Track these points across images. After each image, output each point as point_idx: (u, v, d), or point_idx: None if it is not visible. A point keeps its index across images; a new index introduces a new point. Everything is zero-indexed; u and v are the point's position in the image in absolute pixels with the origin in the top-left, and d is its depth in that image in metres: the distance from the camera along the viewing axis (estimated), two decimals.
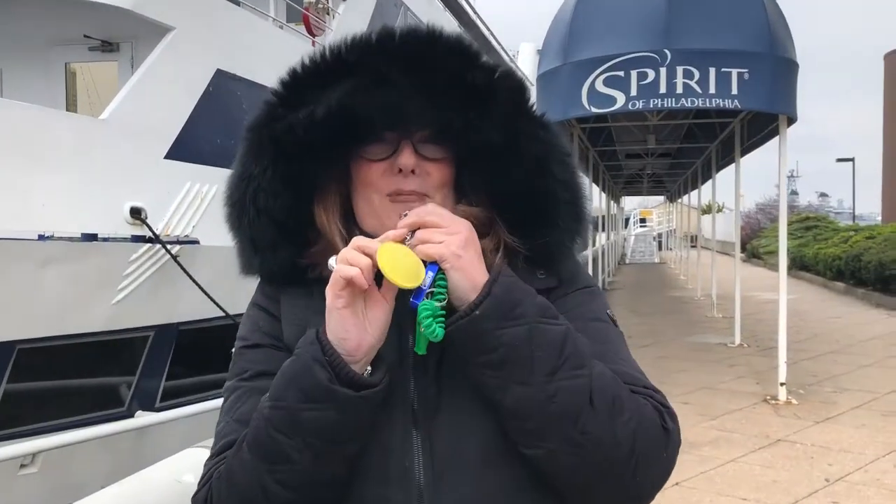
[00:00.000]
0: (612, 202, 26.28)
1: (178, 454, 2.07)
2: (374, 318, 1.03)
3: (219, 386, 1.16)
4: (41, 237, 6.66)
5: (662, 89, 6.08)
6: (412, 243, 1.03)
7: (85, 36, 8.52)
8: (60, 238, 6.83)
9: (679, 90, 6.07)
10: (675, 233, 32.81)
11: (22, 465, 6.70)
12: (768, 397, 7.03)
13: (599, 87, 6.22)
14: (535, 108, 1.20)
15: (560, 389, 1.01)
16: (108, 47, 8.71)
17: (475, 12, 24.00)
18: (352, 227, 1.18)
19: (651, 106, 6.22)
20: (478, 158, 1.15)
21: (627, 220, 41.63)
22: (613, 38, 6.29)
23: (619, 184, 25.44)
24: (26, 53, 8.68)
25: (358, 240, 1.04)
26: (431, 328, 1.00)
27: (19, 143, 6.51)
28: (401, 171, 1.13)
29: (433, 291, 1.02)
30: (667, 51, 6.04)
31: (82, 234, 6.97)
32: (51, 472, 6.82)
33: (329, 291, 1.02)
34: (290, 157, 1.13)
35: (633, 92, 6.14)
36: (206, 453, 1.87)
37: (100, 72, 9.21)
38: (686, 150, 15.07)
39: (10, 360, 6.70)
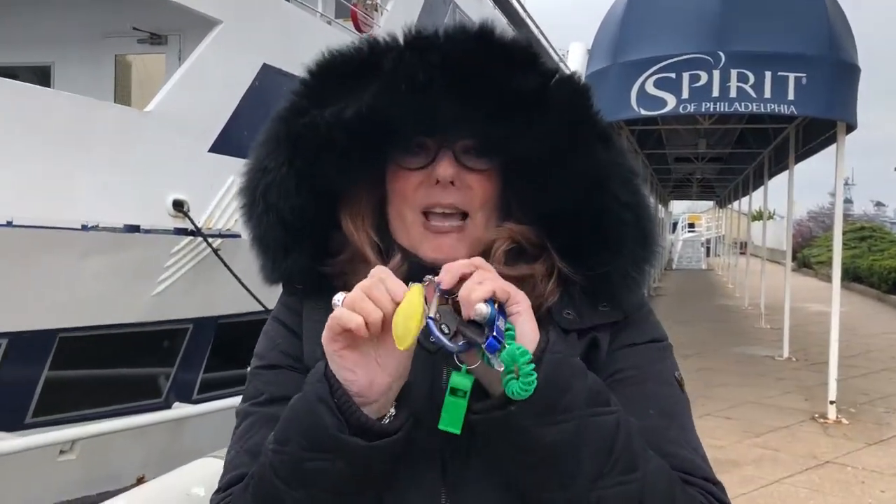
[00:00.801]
0: (660, 206, 25.91)
1: (192, 464, 1.99)
2: (387, 356, 0.88)
3: None
4: (84, 227, 6.71)
5: (715, 93, 5.88)
6: (464, 291, 0.86)
7: (134, 28, 8.60)
8: (104, 229, 6.89)
9: (732, 94, 5.86)
10: (723, 239, 32.18)
11: (61, 452, 6.79)
12: (817, 415, 6.77)
13: (649, 88, 6.04)
14: (599, 117, 1.06)
15: (604, 499, 0.87)
16: (156, 40, 8.78)
17: (524, 10, 23.84)
18: (386, 237, 1.08)
19: (703, 110, 6.02)
20: (524, 173, 1.03)
21: (675, 224, 41.03)
22: (665, 38, 6.10)
23: (668, 187, 25.03)
24: (77, 46, 8.80)
25: (380, 272, 0.88)
26: (457, 414, 0.86)
27: (67, 134, 6.57)
28: (438, 182, 1.02)
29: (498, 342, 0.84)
30: (720, 53, 5.83)
31: (125, 225, 7.02)
32: (88, 459, 6.91)
33: (324, 335, 0.88)
34: (308, 155, 1.03)
35: (685, 95, 5.95)
36: (220, 464, 1.76)
37: (153, 63, 9.30)
38: (738, 155, 14.72)
39: (51, 347, 6.79)
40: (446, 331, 0.84)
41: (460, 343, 0.85)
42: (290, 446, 0.89)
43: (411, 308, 0.82)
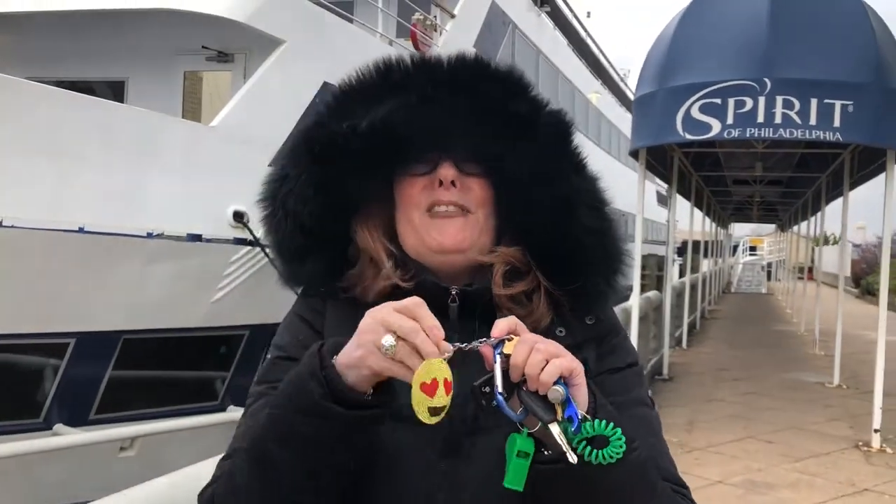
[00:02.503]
0: (718, 228, 25.56)
1: (210, 459, 2.19)
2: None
3: None
4: (150, 235, 7.06)
5: (760, 118, 5.94)
6: (532, 369, 0.94)
7: (203, 47, 9.01)
8: (168, 237, 7.24)
9: (778, 120, 5.91)
10: (785, 263, 31.55)
11: (121, 448, 7.09)
12: (860, 443, 6.71)
13: (695, 113, 6.14)
14: (577, 150, 1.23)
15: None
16: (223, 58, 9.19)
17: (586, 31, 23.88)
18: (398, 250, 1.18)
19: (748, 135, 6.08)
20: (511, 189, 1.17)
21: (736, 247, 40.36)
22: (712, 64, 6.20)
23: (728, 209, 24.70)
24: (149, 62, 9.25)
25: (414, 305, 0.96)
26: (521, 473, 0.96)
27: (137, 146, 6.95)
28: (441, 183, 1.15)
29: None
30: (766, 79, 5.90)
31: (188, 234, 7.36)
32: (147, 456, 7.19)
33: (370, 358, 0.95)
34: (325, 164, 1.15)
35: (730, 120, 6.02)
36: None
37: (221, 80, 9.73)
38: (798, 179, 14.53)
39: (115, 348, 7.14)
40: (504, 394, 0.94)
41: (519, 411, 0.95)
42: (282, 410, 1.01)
43: (434, 397, 0.93)
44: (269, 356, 1.22)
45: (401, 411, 1.00)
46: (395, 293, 1.11)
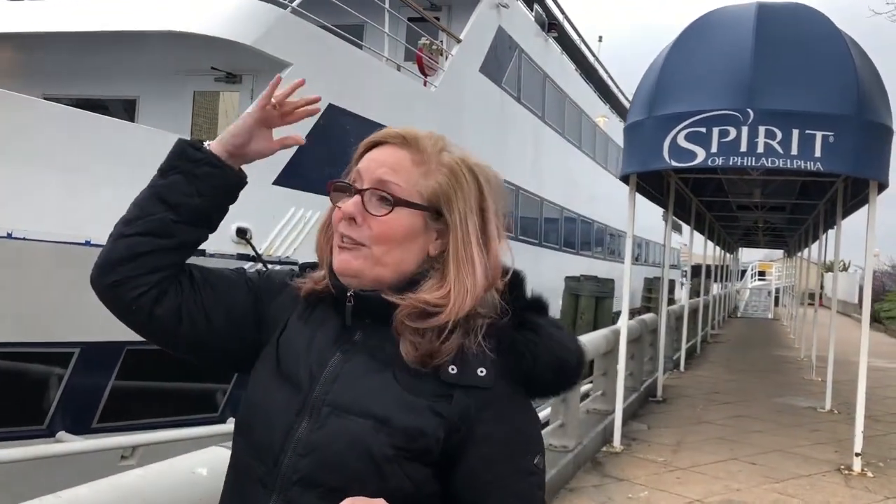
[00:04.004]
0: (725, 253, 25.65)
1: (201, 450, 2.40)
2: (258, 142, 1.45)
3: None
4: None
5: (743, 147, 6.13)
6: None
7: (212, 68, 9.30)
8: None
9: (760, 149, 6.10)
10: (792, 289, 31.57)
11: (122, 457, 7.27)
12: (842, 467, 6.83)
13: (681, 141, 6.33)
14: None
15: None
16: (232, 79, 9.47)
17: (594, 55, 24.13)
18: None
19: (731, 163, 6.26)
20: None
21: (744, 272, 40.36)
22: (698, 94, 6.40)
23: (735, 235, 24.81)
24: (160, 81, 9.55)
25: None
26: None
27: (145, 164, 7.16)
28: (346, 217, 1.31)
29: None
30: (750, 110, 6.10)
31: None
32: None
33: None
34: None
35: (714, 148, 6.21)
36: (226, 451, 2.23)
37: (230, 100, 10.01)
38: (802, 205, 14.69)
39: (118, 359, 7.34)
40: None
41: None
42: (164, 165, 1.42)
43: None
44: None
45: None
46: (315, 293, 1.37)
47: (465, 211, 1.30)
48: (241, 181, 1.45)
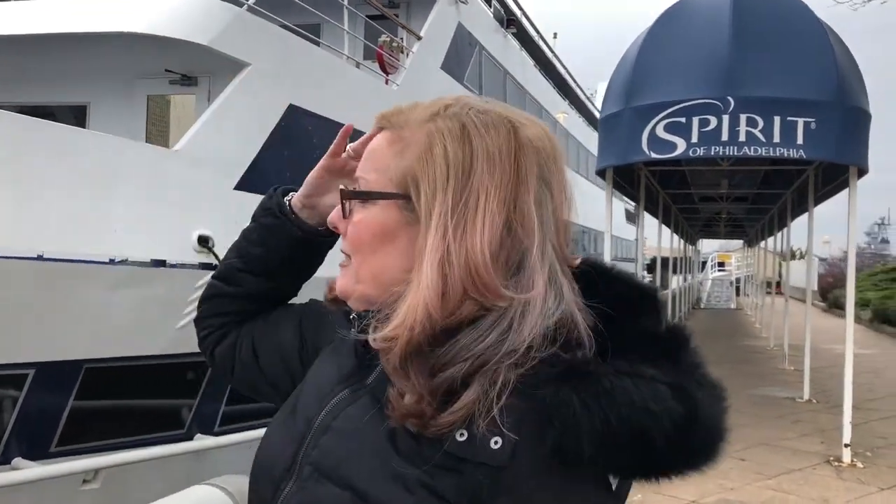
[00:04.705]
0: (687, 245, 25.80)
1: (186, 490, 2.12)
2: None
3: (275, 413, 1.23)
4: (112, 261, 6.92)
5: (724, 137, 5.98)
6: None
7: (166, 70, 8.92)
8: (131, 263, 7.09)
9: (742, 138, 5.96)
10: (753, 278, 31.95)
11: (84, 481, 6.91)
12: (832, 458, 6.73)
13: (660, 132, 6.16)
14: None
15: None
16: (187, 81, 9.09)
17: (552, 51, 24.08)
18: None
19: (712, 154, 6.12)
20: None
21: (704, 263, 40.71)
22: (676, 83, 6.24)
23: (696, 226, 24.96)
24: (111, 86, 9.14)
25: None
26: None
27: (99, 171, 6.83)
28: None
29: None
30: (730, 98, 5.95)
31: (152, 259, 7.22)
32: (111, 488, 7.02)
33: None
34: None
35: (695, 139, 6.06)
36: (213, 490, 1.92)
37: (185, 103, 9.63)
38: (764, 195, 14.72)
39: (77, 378, 6.97)
40: None
41: None
42: (253, 218, 1.36)
43: None
44: None
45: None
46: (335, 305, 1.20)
47: (431, 191, 0.95)
48: (307, 235, 1.31)
